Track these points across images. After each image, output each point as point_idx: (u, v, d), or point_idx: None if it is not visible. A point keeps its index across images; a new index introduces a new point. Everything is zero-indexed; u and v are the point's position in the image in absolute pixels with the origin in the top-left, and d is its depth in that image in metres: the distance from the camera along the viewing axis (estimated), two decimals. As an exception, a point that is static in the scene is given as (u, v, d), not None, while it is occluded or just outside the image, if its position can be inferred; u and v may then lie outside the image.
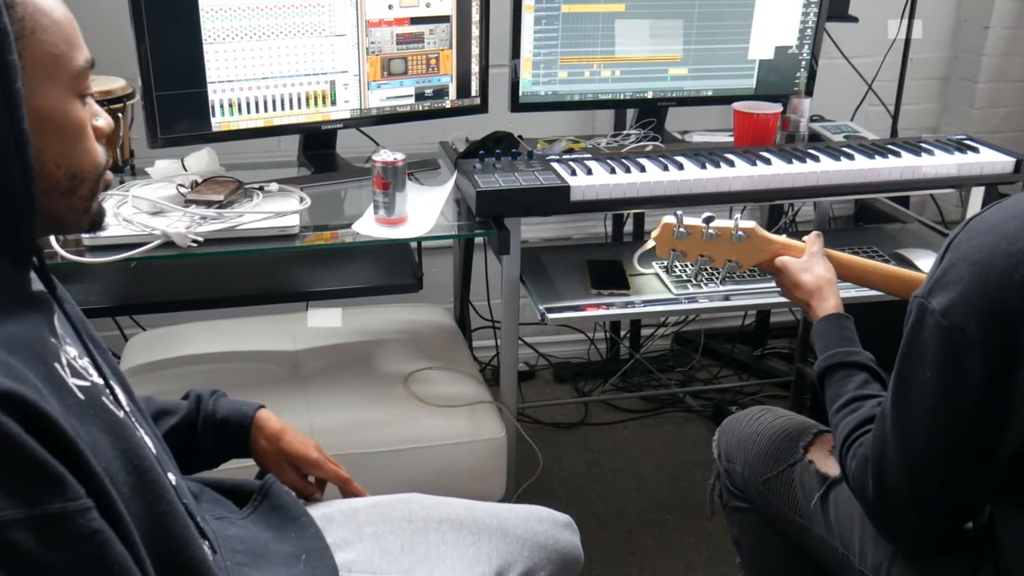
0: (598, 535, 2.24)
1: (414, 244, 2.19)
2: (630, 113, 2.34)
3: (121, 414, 0.89)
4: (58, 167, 0.87)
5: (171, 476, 0.98)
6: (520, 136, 2.13)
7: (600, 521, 2.29)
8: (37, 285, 0.90)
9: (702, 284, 1.82)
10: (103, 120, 0.93)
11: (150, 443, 0.95)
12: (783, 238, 1.52)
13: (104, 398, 0.88)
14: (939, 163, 1.95)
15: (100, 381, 0.90)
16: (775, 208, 2.63)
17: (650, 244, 1.56)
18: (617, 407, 2.77)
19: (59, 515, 0.74)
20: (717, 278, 1.82)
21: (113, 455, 0.84)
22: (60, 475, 0.74)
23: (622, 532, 2.27)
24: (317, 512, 1.24)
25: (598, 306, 1.77)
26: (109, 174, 0.95)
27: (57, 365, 0.83)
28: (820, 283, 1.46)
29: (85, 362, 0.90)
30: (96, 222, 0.94)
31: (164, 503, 0.89)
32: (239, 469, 1.33)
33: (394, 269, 2.01)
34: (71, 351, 0.88)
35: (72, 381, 0.83)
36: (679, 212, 1.52)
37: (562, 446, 2.59)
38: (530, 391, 2.80)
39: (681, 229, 1.52)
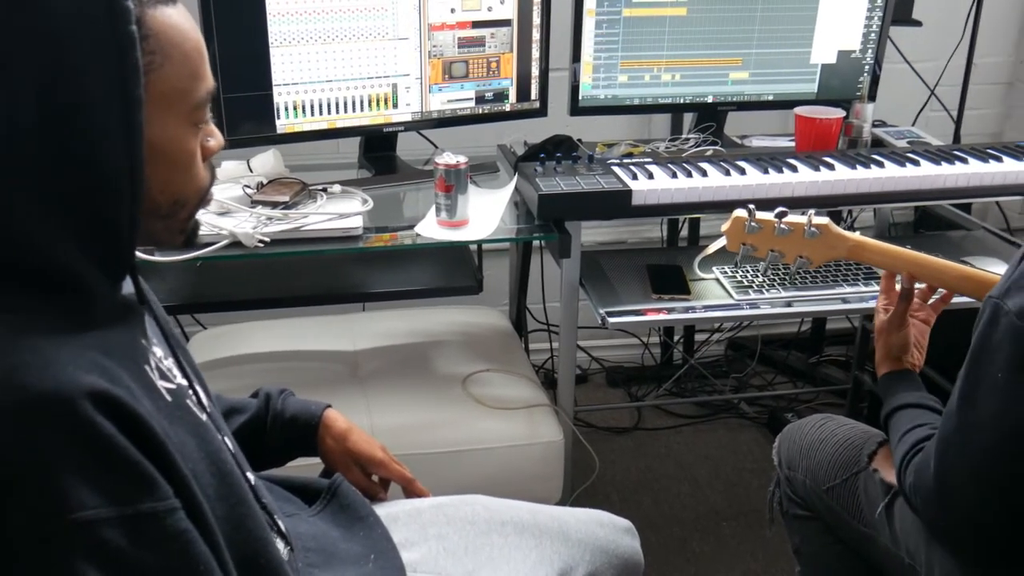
0: (652, 541, 2.22)
1: (474, 247, 2.20)
2: (687, 117, 2.33)
3: (204, 416, 0.90)
4: (162, 193, 0.86)
5: (249, 476, 0.99)
6: (579, 140, 2.13)
7: (654, 527, 2.28)
8: (127, 288, 0.91)
9: (764, 290, 1.80)
10: (214, 141, 0.92)
11: (229, 444, 0.96)
12: (856, 235, 1.50)
13: (188, 400, 0.89)
14: (1008, 169, 1.91)
15: (184, 383, 0.91)
16: (833, 214, 2.60)
17: (719, 243, 1.54)
18: (671, 412, 2.75)
19: (149, 515, 0.75)
20: (787, 275, 1.80)
21: (199, 457, 0.85)
22: (151, 475, 0.76)
23: (676, 538, 2.25)
24: (382, 512, 1.25)
25: (659, 311, 1.76)
26: (212, 192, 0.94)
27: (147, 367, 0.84)
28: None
29: (170, 363, 0.91)
30: (190, 240, 0.94)
31: (244, 506, 0.90)
32: (303, 467, 1.34)
33: (454, 271, 2.02)
34: (158, 352, 0.89)
35: (160, 383, 0.84)
36: (751, 206, 1.50)
37: (616, 451, 2.58)
38: (582, 395, 2.79)
39: (753, 223, 1.49)
